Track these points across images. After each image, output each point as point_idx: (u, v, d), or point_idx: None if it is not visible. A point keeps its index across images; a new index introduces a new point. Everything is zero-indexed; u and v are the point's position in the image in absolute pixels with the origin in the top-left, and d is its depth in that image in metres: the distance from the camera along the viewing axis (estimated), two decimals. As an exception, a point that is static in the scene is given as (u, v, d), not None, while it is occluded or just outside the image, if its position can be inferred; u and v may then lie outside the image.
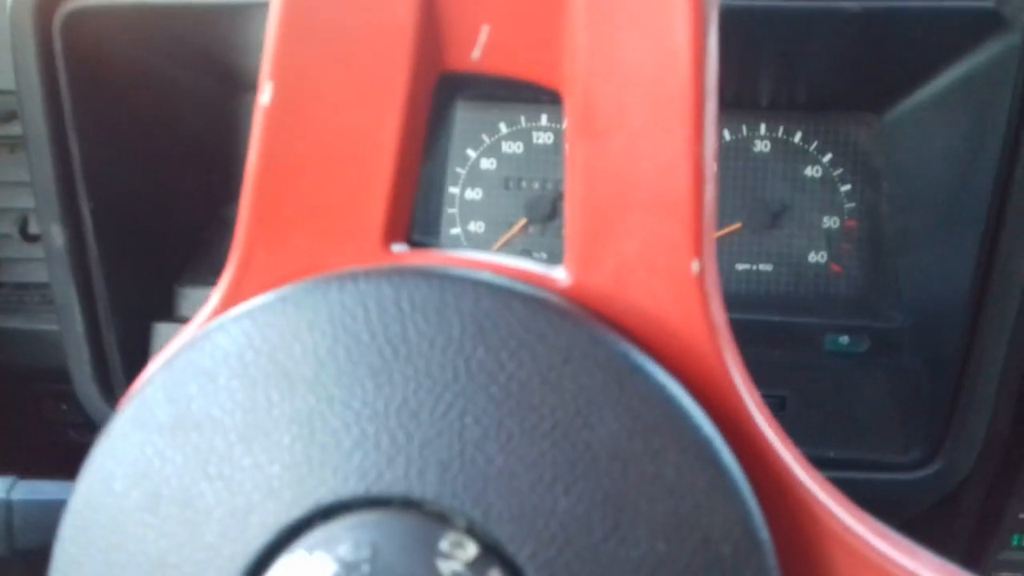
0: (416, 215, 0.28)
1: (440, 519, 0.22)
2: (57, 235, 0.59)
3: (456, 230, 0.72)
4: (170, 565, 0.23)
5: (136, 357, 0.65)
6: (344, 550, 0.22)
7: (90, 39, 0.57)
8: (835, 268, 0.69)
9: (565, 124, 0.25)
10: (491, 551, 0.22)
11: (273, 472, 0.23)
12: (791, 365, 0.63)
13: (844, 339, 0.64)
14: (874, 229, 0.68)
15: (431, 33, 0.25)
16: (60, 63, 0.56)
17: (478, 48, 0.25)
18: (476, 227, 0.72)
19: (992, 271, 0.58)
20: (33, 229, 0.70)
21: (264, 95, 0.25)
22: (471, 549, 0.22)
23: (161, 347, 0.66)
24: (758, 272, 0.70)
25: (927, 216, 0.64)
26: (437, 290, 0.23)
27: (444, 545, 0.22)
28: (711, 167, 0.24)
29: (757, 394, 0.25)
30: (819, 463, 0.25)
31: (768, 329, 0.65)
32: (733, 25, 0.24)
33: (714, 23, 0.24)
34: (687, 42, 0.23)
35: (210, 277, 0.70)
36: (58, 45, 0.56)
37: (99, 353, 0.63)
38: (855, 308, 0.67)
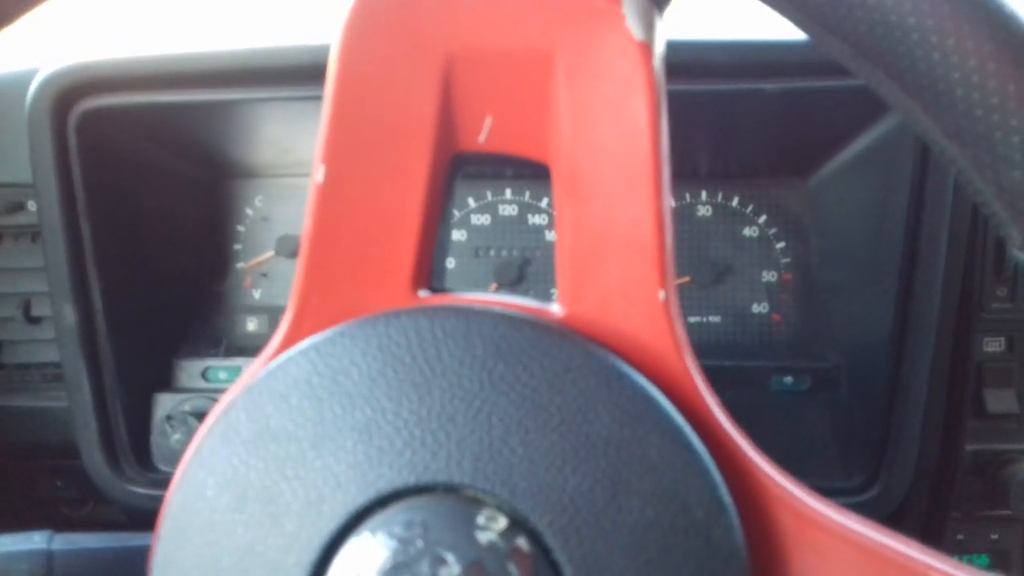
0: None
1: (475, 500, 0.28)
2: (69, 314, 0.64)
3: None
4: (257, 552, 0.28)
5: (139, 425, 0.70)
6: (400, 529, 0.28)
7: (101, 135, 0.63)
8: (776, 317, 0.77)
9: (553, 190, 0.32)
10: (518, 522, 0.28)
11: (340, 470, 0.29)
12: (742, 404, 0.69)
13: (788, 379, 0.71)
14: (807, 281, 0.76)
15: (447, 124, 0.32)
16: (74, 157, 0.62)
17: (484, 133, 0.32)
18: (450, 293, 0.78)
19: (909, 313, 0.66)
20: (36, 312, 0.74)
21: (318, 174, 0.31)
22: (502, 521, 0.28)
23: (162, 416, 0.70)
24: (707, 323, 0.77)
25: (851, 267, 0.72)
26: (463, 321, 0.30)
27: (480, 519, 0.28)
28: (669, 219, 0.31)
29: (714, 394, 0.31)
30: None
31: (719, 373, 0.71)
32: (672, 107, 0.31)
33: (665, 109, 0.31)
34: (647, 125, 0.30)
35: (204, 349, 0.75)
36: (73, 141, 0.62)
37: (105, 423, 0.67)
38: (796, 351, 0.75)
